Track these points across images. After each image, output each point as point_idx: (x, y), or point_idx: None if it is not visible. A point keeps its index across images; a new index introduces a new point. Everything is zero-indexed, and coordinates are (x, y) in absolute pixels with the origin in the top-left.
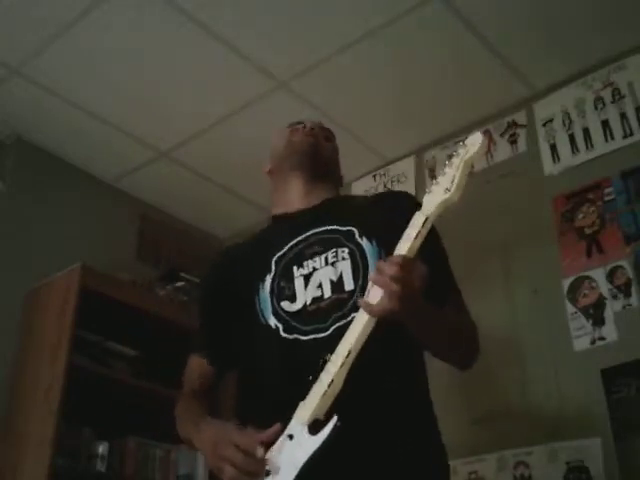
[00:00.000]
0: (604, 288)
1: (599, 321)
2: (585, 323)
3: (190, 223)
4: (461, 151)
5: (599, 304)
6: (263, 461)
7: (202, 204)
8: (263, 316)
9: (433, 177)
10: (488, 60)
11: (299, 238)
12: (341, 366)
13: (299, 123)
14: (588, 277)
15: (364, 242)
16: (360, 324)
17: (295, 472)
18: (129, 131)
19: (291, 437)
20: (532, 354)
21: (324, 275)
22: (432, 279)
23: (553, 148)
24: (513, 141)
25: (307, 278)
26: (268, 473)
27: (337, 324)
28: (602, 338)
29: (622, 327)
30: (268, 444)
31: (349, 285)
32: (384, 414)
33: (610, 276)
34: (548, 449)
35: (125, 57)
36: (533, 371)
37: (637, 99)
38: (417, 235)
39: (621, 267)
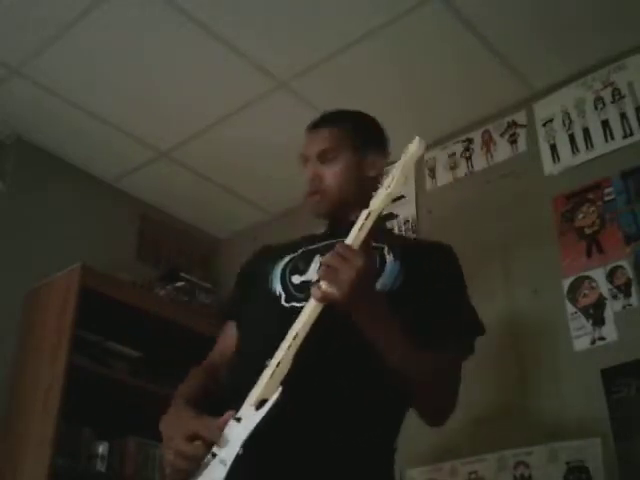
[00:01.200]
0: (604, 288)
1: (599, 321)
2: (585, 323)
3: (190, 223)
4: (402, 156)
5: (599, 304)
6: (203, 447)
7: (202, 204)
8: (271, 285)
9: (433, 177)
10: (488, 60)
11: (331, 241)
12: (288, 348)
13: (303, 155)
14: (588, 277)
15: (389, 258)
16: (308, 308)
17: (237, 447)
18: (129, 131)
19: (239, 420)
20: (532, 354)
21: None
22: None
23: (553, 148)
24: (513, 141)
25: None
26: (214, 455)
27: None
28: (602, 338)
29: (622, 327)
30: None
31: None
32: (328, 400)
33: (610, 276)
34: (548, 449)
35: (125, 57)
36: (533, 371)
37: (637, 99)
38: (361, 227)
39: (621, 267)
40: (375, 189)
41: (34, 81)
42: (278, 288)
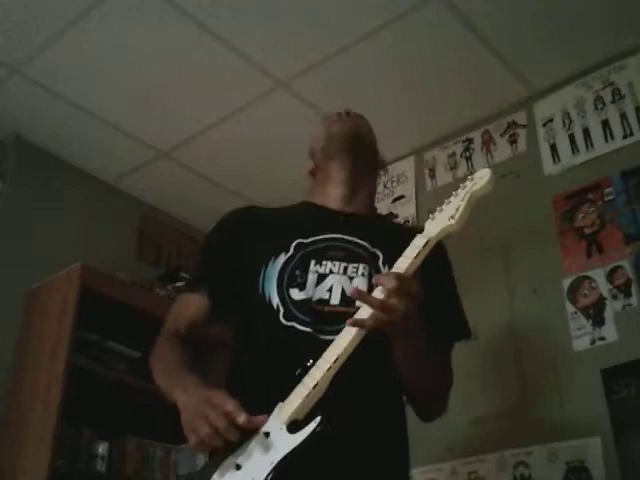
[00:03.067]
0: (604, 288)
1: (599, 321)
2: (585, 323)
3: (190, 223)
4: (468, 183)
5: (599, 304)
6: (239, 433)
7: (202, 204)
8: (264, 290)
9: (433, 177)
10: (488, 60)
11: (327, 236)
12: (327, 370)
13: (338, 114)
14: (588, 277)
15: (385, 270)
16: (351, 332)
17: (270, 468)
18: (129, 131)
19: (267, 435)
20: (532, 354)
21: (337, 282)
22: (445, 317)
23: (553, 148)
24: (513, 141)
25: (321, 277)
26: (239, 467)
27: (335, 335)
28: (602, 338)
29: (622, 327)
30: (250, 429)
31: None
32: (365, 424)
33: (610, 276)
34: (548, 449)
35: (125, 57)
36: (533, 371)
37: (637, 99)
38: (417, 255)
39: (621, 267)
40: (374, 190)
41: (34, 81)
42: (275, 300)
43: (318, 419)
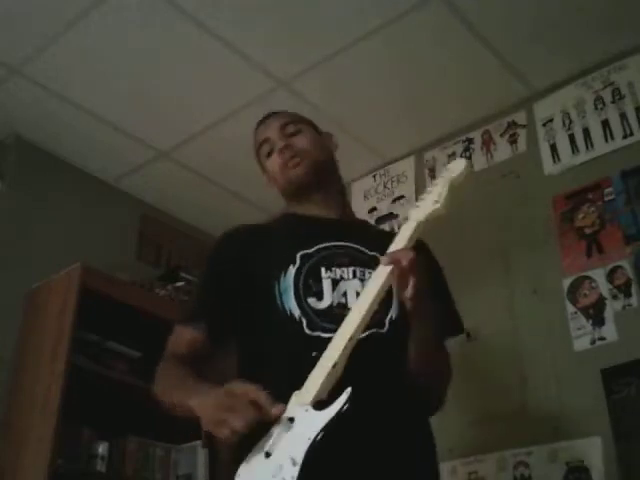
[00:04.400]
0: (604, 288)
1: (599, 321)
2: (585, 323)
3: (190, 223)
4: (446, 173)
5: (599, 304)
6: (266, 416)
7: (202, 204)
8: (283, 304)
9: (433, 177)
10: (488, 60)
11: (328, 244)
12: (344, 349)
13: (265, 141)
14: (588, 277)
15: None
16: (360, 309)
17: (308, 443)
18: (129, 131)
19: (292, 420)
20: (532, 354)
21: (351, 286)
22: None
23: (553, 148)
24: (513, 141)
25: (334, 283)
26: (268, 454)
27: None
28: (602, 338)
29: (622, 327)
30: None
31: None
32: (389, 402)
33: (610, 276)
34: (548, 449)
35: (125, 57)
36: (533, 371)
37: (637, 99)
38: (410, 237)
39: (621, 267)
40: (336, 169)
41: (34, 81)
42: (296, 312)
43: (348, 390)
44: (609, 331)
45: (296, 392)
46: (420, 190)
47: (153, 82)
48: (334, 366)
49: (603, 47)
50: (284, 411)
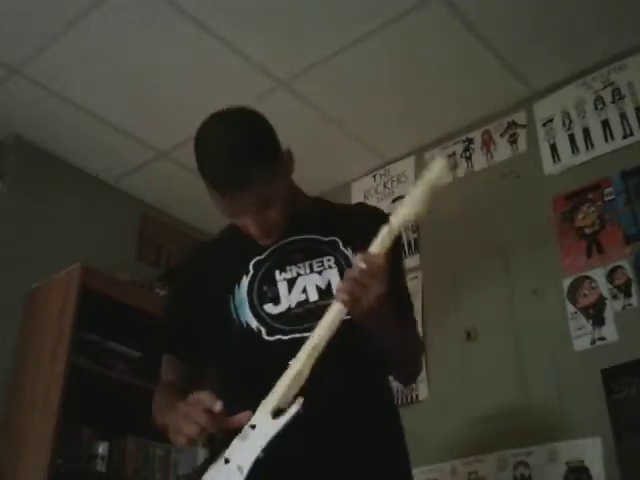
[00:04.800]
0: (604, 288)
1: (599, 321)
2: (585, 323)
3: (190, 223)
4: (426, 174)
5: (599, 304)
6: (220, 422)
7: (202, 204)
8: (239, 317)
9: None
10: (488, 60)
11: (279, 244)
12: (307, 357)
13: (232, 211)
14: (588, 277)
15: (349, 252)
16: (328, 320)
17: (256, 453)
18: (129, 131)
19: (253, 427)
20: (532, 354)
21: (309, 281)
22: (394, 291)
23: (553, 148)
24: (513, 141)
25: (291, 282)
26: (227, 460)
27: None
28: (602, 338)
29: (622, 327)
30: (234, 428)
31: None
32: (346, 407)
33: (610, 276)
34: (548, 449)
35: (125, 57)
36: (533, 371)
37: (637, 99)
38: (382, 242)
39: (621, 267)
40: (291, 181)
41: (34, 81)
42: (253, 323)
43: (300, 400)
44: (609, 331)
45: (264, 400)
46: None
47: (153, 82)
48: (297, 374)
49: (603, 47)
50: (249, 418)
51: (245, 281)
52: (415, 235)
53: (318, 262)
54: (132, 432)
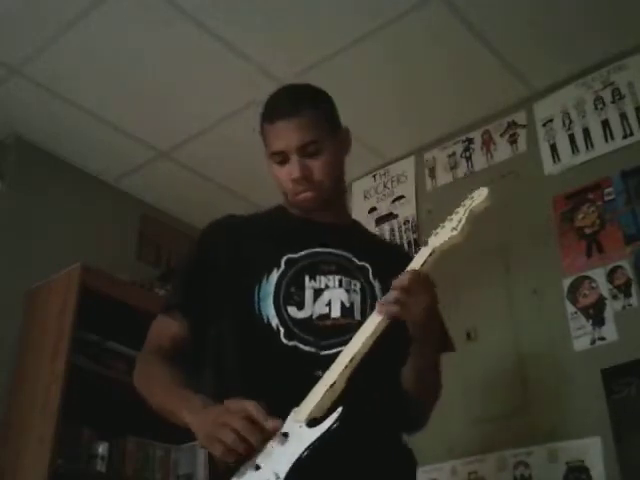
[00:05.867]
0: (604, 288)
1: (599, 321)
2: (585, 323)
3: (190, 223)
4: (467, 201)
5: (599, 304)
6: (266, 436)
7: (202, 204)
8: (260, 309)
9: (433, 177)
10: (488, 60)
11: (316, 250)
12: (345, 368)
13: (279, 152)
14: (588, 277)
15: (376, 284)
16: (367, 331)
17: (293, 460)
18: (129, 131)
19: (286, 435)
20: (532, 354)
21: (335, 296)
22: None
23: (553, 148)
24: (513, 141)
25: (317, 292)
26: (258, 467)
27: (339, 348)
28: (602, 338)
29: (622, 327)
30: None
31: (358, 316)
32: (381, 420)
33: (610, 276)
34: (548, 449)
35: (125, 57)
36: (533, 371)
37: (637, 99)
38: (424, 263)
39: (621, 267)
40: (343, 180)
41: (34, 81)
42: (274, 320)
43: (339, 410)
44: (609, 331)
45: (295, 409)
46: (420, 190)
47: (153, 82)
48: (332, 385)
49: (603, 47)
50: (281, 426)
51: (275, 275)
52: (415, 235)
53: (347, 281)
54: (132, 432)
